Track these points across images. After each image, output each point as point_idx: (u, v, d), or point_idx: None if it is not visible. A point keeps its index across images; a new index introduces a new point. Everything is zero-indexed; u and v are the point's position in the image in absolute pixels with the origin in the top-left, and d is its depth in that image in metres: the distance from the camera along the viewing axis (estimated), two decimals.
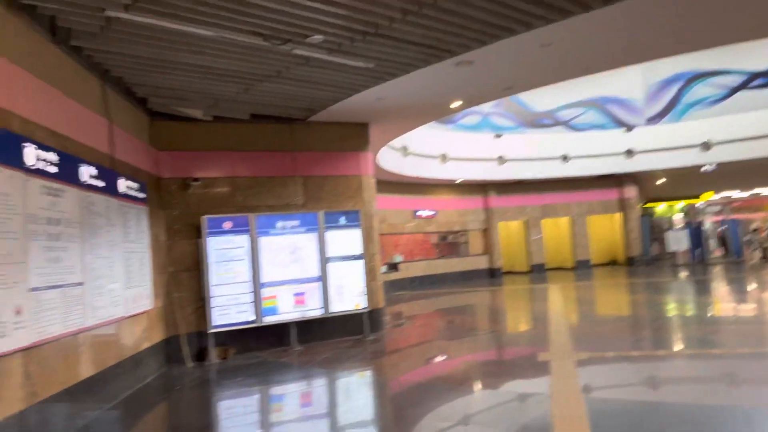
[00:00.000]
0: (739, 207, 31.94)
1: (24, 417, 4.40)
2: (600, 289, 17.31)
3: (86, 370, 5.58)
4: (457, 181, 21.29)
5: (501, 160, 21.06)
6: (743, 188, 30.44)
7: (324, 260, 9.17)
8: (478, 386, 6.72)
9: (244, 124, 9.13)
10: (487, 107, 20.69)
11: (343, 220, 9.38)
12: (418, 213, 21.17)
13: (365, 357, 8.45)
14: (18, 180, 4.45)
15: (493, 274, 22.77)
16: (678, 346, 8.31)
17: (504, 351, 8.93)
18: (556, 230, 24.70)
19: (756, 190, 30.72)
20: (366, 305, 9.40)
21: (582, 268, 23.68)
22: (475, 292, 18.04)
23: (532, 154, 21.45)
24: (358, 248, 9.45)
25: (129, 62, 6.44)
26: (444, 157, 19.46)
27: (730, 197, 31.90)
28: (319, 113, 9.16)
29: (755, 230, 25.31)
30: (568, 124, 22.32)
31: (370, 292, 9.59)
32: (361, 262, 9.44)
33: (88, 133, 6.02)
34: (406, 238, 20.84)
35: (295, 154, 9.54)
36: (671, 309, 12.04)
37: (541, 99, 21.41)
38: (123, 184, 6.77)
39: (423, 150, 18.41)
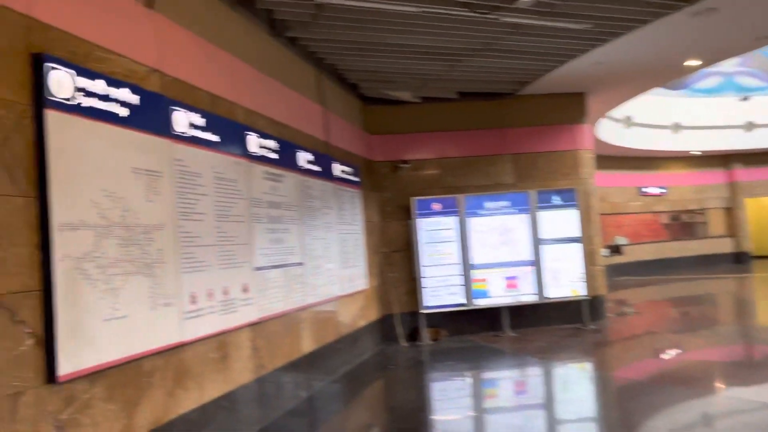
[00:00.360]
0: None
1: (254, 387, 4.75)
2: None
3: (307, 345, 5.89)
4: (693, 153, 18.79)
5: (749, 126, 18.07)
6: None
7: (537, 243, 8.64)
8: (721, 390, 5.72)
9: (451, 103, 8.95)
10: (729, 65, 17.82)
11: (557, 200, 8.72)
12: (645, 190, 19.19)
13: (585, 347, 7.79)
14: (243, 167, 4.78)
15: (739, 259, 19.78)
16: None
17: (755, 350, 7.56)
18: None
19: None
20: (584, 292, 8.66)
21: None
22: (716, 280, 15.82)
23: None
24: (574, 230, 8.72)
25: (339, 48, 6.62)
26: (676, 127, 17.29)
27: None
28: (530, 85, 8.59)
29: None
30: None
31: (590, 278, 8.81)
32: (578, 245, 8.70)
33: (304, 120, 6.33)
34: (630, 218, 19.05)
35: (504, 130, 9.10)
36: None
37: None
38: (337, 169, 7.03)
39: (650, 119, 16.55)
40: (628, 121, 15.69)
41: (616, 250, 18.18)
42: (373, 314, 8.15)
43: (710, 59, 8.24)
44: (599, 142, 14.20)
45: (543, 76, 8.17)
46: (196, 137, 4.16)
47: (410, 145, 8.94)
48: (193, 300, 3.96)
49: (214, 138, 4.38)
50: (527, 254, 8.62)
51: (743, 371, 6.40)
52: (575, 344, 7.86)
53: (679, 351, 7.72)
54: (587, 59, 7.52)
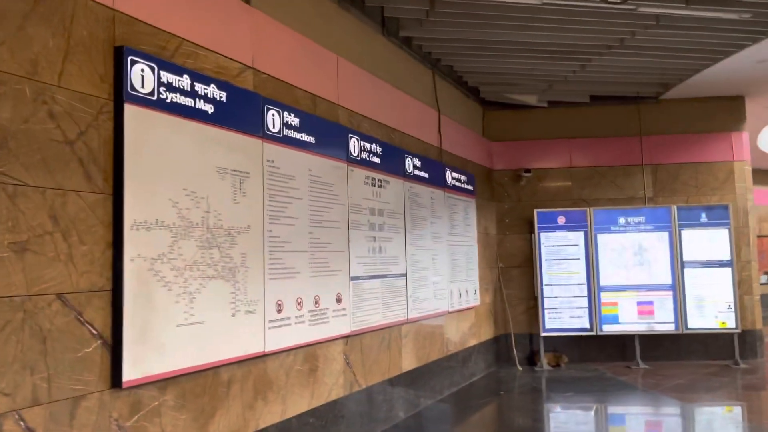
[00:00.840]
0: None
1: (345, 403, 4.48)
2: None
3: (409, 362, 5.54)
4: None
5: None
6: None
7: (678, 265, 7.61)
8: None
9: (582, 108, 8.20)
10: None
11: (704, 217, 7.64)
12: None
13: (734, 389, 6.69)
14: (341, 171, 4.54)
15: None
16: None
17: None
18: None
19: None
20: (735, 324, 7.49)
21: None
22: None
23: None
24: (724, 252, 7.58)
25: (457, 48, 6.24)
26: None
27: None
28: (674, 88, 7.63)
29: None
30: None
31: (742, 308, 7.62)
32: (728, 270, 7.55)
33: (415, 124, 6.01)
34: None
35: (642, 138, 8.16)
36: None
37: None
38: (450, 176, 6.63)
39: None
40: None
41: None
42: (485, 333, 7.62)
43: None
44: (761, 155, 12.49)
45: (691, 76, 7.20)
46: (291, 138, 3.97)
47: (534, 153, 8.31)
48: (280, 308, 3.76)
49: (311, 139, 4.18)
50: (665, 277, 7.62)
51: None
52: (721, 385, 6.77)
53: None
54: (747, 56, 6.50)
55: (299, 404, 3.98)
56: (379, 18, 5.40)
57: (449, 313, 6.44)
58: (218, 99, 3.35)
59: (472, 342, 7.16)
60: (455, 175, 6.76)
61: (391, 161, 5.31)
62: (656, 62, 6.73)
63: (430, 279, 5.97)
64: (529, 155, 8.29)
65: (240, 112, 3.53)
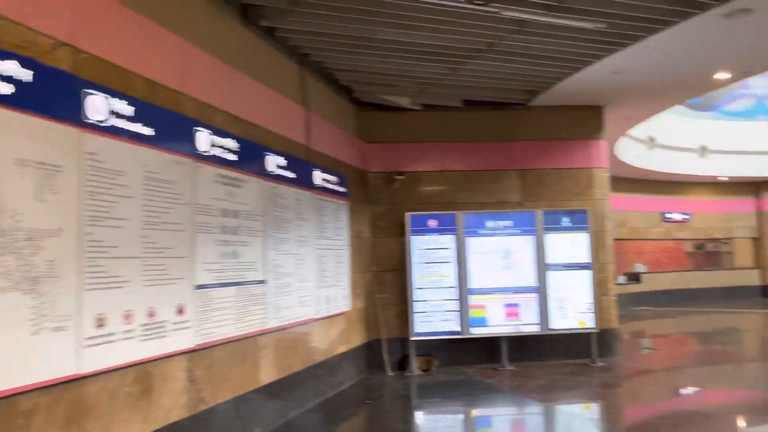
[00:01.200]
0: None
1: (187, 425, 4.04)
2: None
3: (267, 375, 5.17)
4: (720, 179, 17.81)
5: None
6: None
7: (542, 268, 7.83)
8: None
9: (455, 112, 8.23)
10: (762, 88, 16.91)
11: (566, 221, 7.92)
12: (668, 216, 18.22)
13: (592, 387, 6.95)
14: (186, 167, 4.11)
15: (767, 293, 18.67)
16: None
17: None
18: None
19: None
20: (593, 324, 7.82)
21: None
22: (742, 314, 14.81)
23: None
24: (585, 255, 7.90)
25: (326, 43, 5.96)
26: (703, 150, 16.34)
27: None
28: (541, 96, 7.84)
29: None
30: None
31: (600, 309, 7.97)
32: (588, 272, 7.88)
33: (279, 120, 5.66)
34: (651, 245, 18.10)
35: (512, 144, 8.35)
36: None
37: None
38: (319, 177, 6.35)
39: (675, 141, 15.66)
40: (651, 142, 14.82)
41: (634, 278, 17.25)
42: (356, 339, 7.40)
43: (743, 71, 7.45)
44: (619, 163, 13.39)
45: (555, 84, 7.43)
46: (120, 128, 3.50)
47: (409, 156, 8.23)
48: (101, 323, 3.28)
49: (148, 131, 3.72)
50: (531, 280, 7.82)
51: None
52: (581, 383, 7.02)
53: (701, 391, 6.90)
54: (604, 67, 6.78)
55: (128, 431, 3.50)
56: (238, 4, 5.00)
57: (316, 320, 6.15)
58: (19, 78, 2.83)
59: (342, 349, 6.91)
60: (325, 175, 6.49)
61: (249, 159, 4.93)
62: (522, 68, 6.85)
63: (294, 285, 5.64)
64: (403, 158, 8.20)
65: (50, 95, 3.02)
